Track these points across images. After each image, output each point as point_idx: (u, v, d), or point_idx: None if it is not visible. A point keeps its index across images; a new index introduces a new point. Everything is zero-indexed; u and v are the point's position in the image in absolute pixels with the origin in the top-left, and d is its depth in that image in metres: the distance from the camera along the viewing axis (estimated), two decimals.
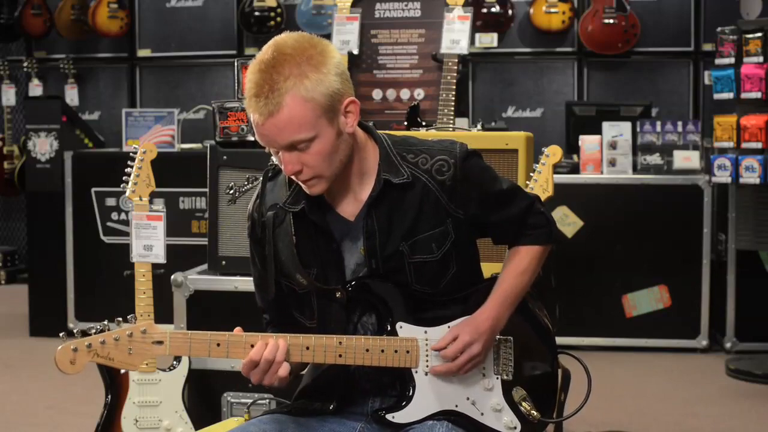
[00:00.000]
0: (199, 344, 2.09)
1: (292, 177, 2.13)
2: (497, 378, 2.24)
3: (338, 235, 2.21)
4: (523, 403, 2.23)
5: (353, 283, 2.19)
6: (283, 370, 2.08)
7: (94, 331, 2.04)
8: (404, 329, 2.19)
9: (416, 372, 2.19)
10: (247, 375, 2.10)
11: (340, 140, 2.11)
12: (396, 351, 2.17)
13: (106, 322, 2.07)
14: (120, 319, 2.06)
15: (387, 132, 2.31)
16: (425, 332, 2.20)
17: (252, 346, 2.08)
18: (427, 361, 2.19)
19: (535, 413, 2.23)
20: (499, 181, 2.29)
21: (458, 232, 2.22)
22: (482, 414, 2.22)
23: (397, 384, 2.23)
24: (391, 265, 2.19)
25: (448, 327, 2.21)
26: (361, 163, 2.19)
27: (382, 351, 2.16)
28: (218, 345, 2.09)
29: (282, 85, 2.01)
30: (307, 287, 2.20)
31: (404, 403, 2.18)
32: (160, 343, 2.07)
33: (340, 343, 2.13)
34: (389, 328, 2.19)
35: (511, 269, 2.28)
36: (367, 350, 2.14)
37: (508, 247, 2.36)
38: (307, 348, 2.12)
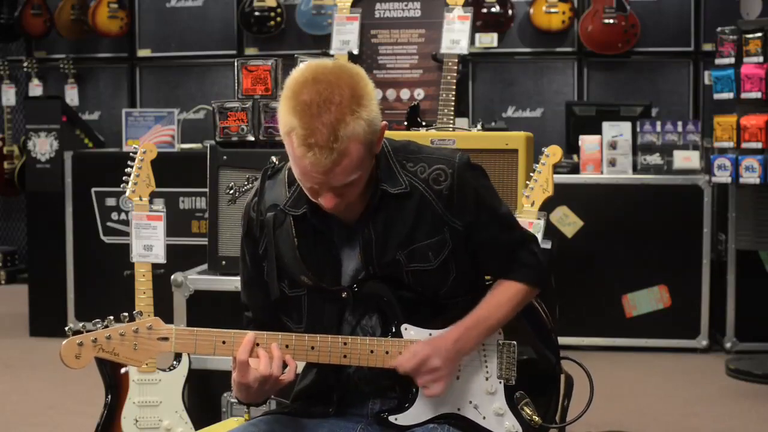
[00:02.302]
0: (205, 341, 2.08)
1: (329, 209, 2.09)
2: (500, 382, 2.23)
3: (338, 241, 2.21)
4: (525, 408, 2.22)
5: (357, 284, 2.18)
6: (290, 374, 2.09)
7: (99, 326, 2.04)
8: (409, 331, 2.18)
9: None
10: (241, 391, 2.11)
11: (370, 165, 2.09)
12: (401, 353, 2.16)
13: (111, 318, 2.06)
14: (126, 314, 2.06)
15: (388, 135, 2.26)
16: (430, 334, 2.19)
17: (257, 344, 2.08)
18: None
19: (537, 418, 2.22)
20: (498, 201, 2.25)
21: (456, 241, 2.19)
22: (484, 418, 2.21)
23: (396, 386, 2.22)
24: (388, 272, 2.18)
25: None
26: None
27: (387, 352, 2.15)
28: (223, 342, 2.09)
29: (342, 132, 1.94)
30: (312, 288, 2.19)
31: (407, 404, 2.18)
32: (166, 339, 2.07)
33: (345, 343, 2.13)
34: (394, 330, 2.18)
35: (490, 299, 2.22)
36: (372, 351, 2.14)
37: (494, 278, 2.30)
38: (312, 348, 2.12)
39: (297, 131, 1.95)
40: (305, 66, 2.01)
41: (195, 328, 2.10)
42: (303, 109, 1.95)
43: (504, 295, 2.22)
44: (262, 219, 2.22)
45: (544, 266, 2.27)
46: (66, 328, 2.05)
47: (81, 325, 2.07)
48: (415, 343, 2.16)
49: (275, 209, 2.20)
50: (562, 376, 2.36)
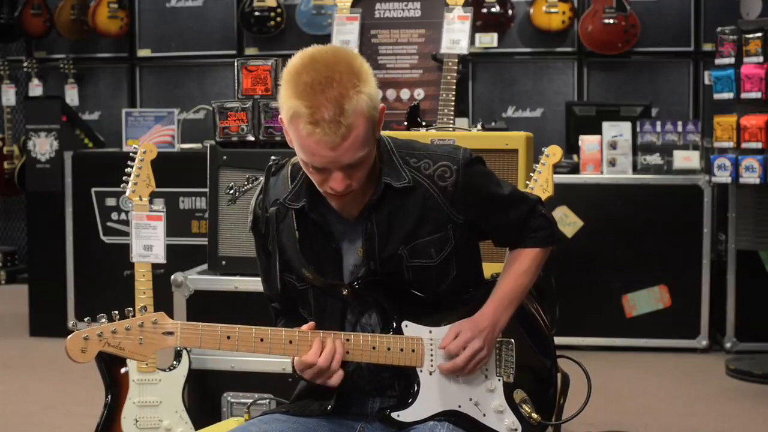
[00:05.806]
0: (210, 337, 2.09)
1: (333, 193, 2.07)
2: (499, 380, 2.24)
3: (337, 235, 2.22)
4: (524, 406, 2.24)
5: (358, 281, 2.19)
6: (337, 378, 2.10)
7: (103, 320, 2.04)
8: (409, 328, 2.20)
9: (421, 371, 2.19)
10: (301, 373, 2.13)
11: (374, 147, 2.11)
12: (402, 349, 2.17)
13: (115, 313, 2.07)
14: (130, 309, 2.07)
15: (390, 134, 2.30)
16: (430, 332, 2.20)
17: (261, 340, 2.09)
18: (431, 360, 2.19)
19: (536, 416, 2.24)
20: (501, 186, 2.28)
21: (458, 237, 2.22)
22: (484, 415, 2.22)
23: (395, 384, 2.23)
24: (389, 267, 2.19)
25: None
26: None
27: (389, 349, 2.16)
28: (228, 338, 2.09)
29: (348, 105, 1.96)
30: (312, 283, 2.20)
31: (410, 400, 2.19)
32: (171, 333, 2.08)
33: (348, 339, 2.14)
34: (395, 326, 2.19)
35: (511, 271, 2.29)
36: (374, 348, 2.15)
37: (509, 248, 2.36)
38: None
39: (302, 111, 1.96)
40: (301, 52, 2.04)
41: (200, 323, 2.10)
42: (305, 90, 1.96)
43: (523, 264, 2.28)
44: (267, 215, 2.24)
45: (553, 223, 2.34)
46: (70, 323, 2.05)
47: (86, 319, 2.07)
48: (453, 325, 2.19)
49: (277, 204, 2.23)
50: (559, 375, 2.38)
